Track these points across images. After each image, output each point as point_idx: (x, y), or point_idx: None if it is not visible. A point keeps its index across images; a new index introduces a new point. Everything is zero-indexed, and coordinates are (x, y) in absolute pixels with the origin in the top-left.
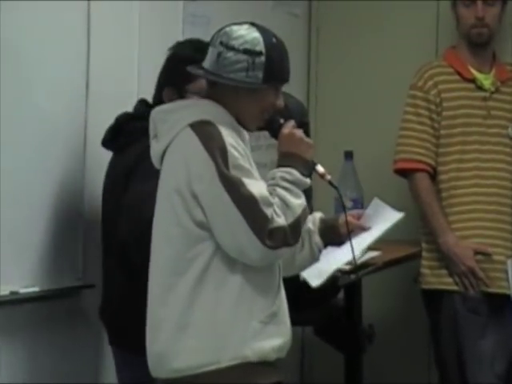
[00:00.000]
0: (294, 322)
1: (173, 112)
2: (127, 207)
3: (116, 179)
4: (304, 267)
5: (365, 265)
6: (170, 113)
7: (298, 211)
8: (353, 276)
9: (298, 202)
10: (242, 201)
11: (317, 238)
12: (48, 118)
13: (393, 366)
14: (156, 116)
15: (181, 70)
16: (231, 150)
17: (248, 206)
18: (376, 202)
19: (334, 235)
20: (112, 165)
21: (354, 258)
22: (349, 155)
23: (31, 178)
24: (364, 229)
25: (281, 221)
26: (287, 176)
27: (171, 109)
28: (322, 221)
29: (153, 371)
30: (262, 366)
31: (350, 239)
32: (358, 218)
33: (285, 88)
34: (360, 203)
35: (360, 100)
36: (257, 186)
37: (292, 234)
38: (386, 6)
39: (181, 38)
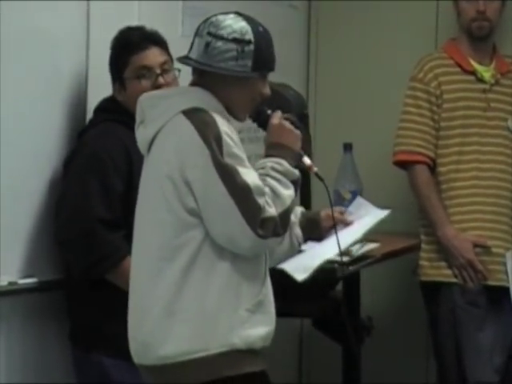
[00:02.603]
0: (293, 313)
1: (163, 98)
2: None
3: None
4: (283, 259)
5: (363, 257)
6: (161, 99)
7: (288, 202)
8: (351, 268)
9: (288, 192)
10: (236, 190)
11: (297, 230)
12: (48, 118)
13: (391, 358)
14: (144, 102)
15: (117, 58)
16: (226, 138)
17: (242, 195)
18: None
19: (314, 229)
20: None
21: (339, 249)
22: (348, 147)
23: (31, 170)
24: (347, 223)
25: (272, 211)
26: (277, 166)
27: (161, 95)
28: (303, 214)
29: (136, 358)
30: (249, 353)
31: (335, 231)
32: (341, 214)
33: (284, 80)
34: (359, 195)
35: (360, 92)
36: (251, 175)
37: (281, 224)
38: None
39: (180, 30)
